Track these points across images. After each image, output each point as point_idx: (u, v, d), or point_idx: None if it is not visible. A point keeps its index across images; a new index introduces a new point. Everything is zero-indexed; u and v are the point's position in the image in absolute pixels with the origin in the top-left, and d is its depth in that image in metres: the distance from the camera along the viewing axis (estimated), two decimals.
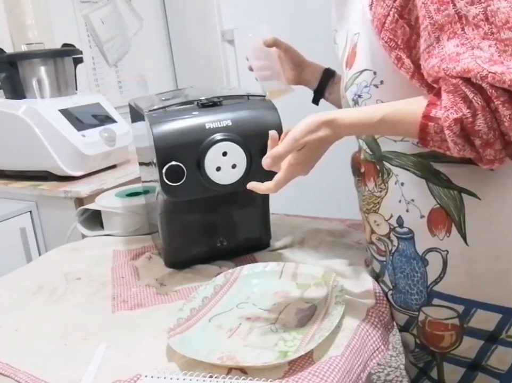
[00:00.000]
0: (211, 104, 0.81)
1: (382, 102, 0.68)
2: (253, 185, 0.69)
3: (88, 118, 1.54)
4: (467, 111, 0.56)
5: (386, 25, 0.63)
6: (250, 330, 0.69)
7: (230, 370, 0.61)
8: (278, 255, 0.93)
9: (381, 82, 0.68)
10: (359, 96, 0.71)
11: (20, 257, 1.42)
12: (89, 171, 1.52)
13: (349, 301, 0.73)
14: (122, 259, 0.98)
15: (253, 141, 0.80)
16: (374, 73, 0.69)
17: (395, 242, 0.74)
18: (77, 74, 1.65)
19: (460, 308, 0.71)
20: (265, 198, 0.93)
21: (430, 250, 0.71)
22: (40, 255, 1.46)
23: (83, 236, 1.13)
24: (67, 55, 1.60)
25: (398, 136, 0.69)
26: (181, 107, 0.82)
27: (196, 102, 0.82)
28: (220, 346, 0.66)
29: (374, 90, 0.69)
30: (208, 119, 0.79)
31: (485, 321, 0.70)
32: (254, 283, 0.81)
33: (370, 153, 0.75)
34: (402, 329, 0.79)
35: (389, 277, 0.77)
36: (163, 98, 0.88)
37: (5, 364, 0.67)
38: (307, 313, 0.72)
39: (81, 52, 1.66)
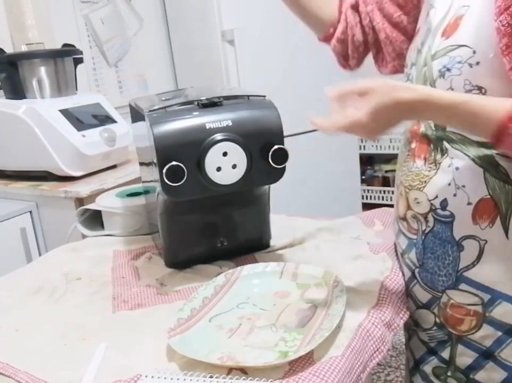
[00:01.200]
0: (211, 104, 0.81)
1: (470, 83, 0.67)
2: (315, 121, 0.67)
3: (88, 118, 1.54)
4: None
5: (511, 9, 0.61)
6: (250, 330, 0.69)
7: (230, 370, 0.61)
8: (278, 255, 0.93)
9: (477, 63, 0.66)
10: (448, 70, 0.69)
11: (20, 257, 1.42)
12: (89, 171, 1.52)
13: (350, 301, 0.73)
14: (122, 259, 0.98)
15: (253, 141, 0.80)
16: (474, 52, 0.67)
17: (431, 223, 0.75)
18: (78, 74, 1.65)
19: (486, 296, 0.73)
20: (265, 198, 0.93)
21: (468, 237, 0.72)
22: (40, 255, 1.46)
23: (84, 236, 1.13)
24: (67, 55, 1.60)
25: (467, 130, 0.68)
26: (182, 107, 0.82)
27: (196, 103, 0.82)
28: (220, 346, 0.66)
29: (467, 69, 0.67)
30: (209, 120, 0.79)
31: (507, 313, 0.72)
32: (255, 283, 0.81)
33: (434, 129, 0.74)
34: (423, 306, 0.80)
35: (417, 256, 0.79)
36: (163, 98, 0.88)
37: (5, 364, 0.67)
38: (308, 313, 0.72)
39: (81, 53, 1.66)
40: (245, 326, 0.70)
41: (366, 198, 3.08)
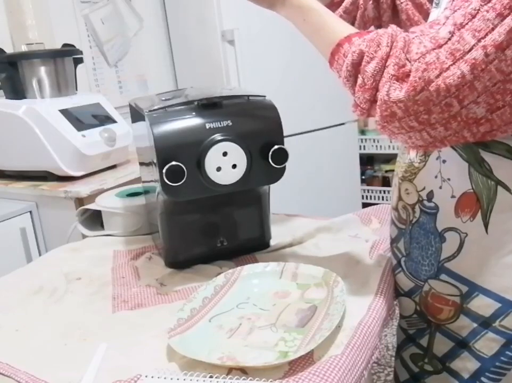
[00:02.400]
0: (211, 104, 0.81)
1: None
2: None
3: (88, 118, 1.54)
4: (372, 50, 0.62)
5: None
6: (250, 330, 0.69)
7: (230, 370, 0.61)
8: (278, 255, 0.93)
9: None
10: None
11: (20, 257, 1.42)
12: (89, 171, 1.52)
13: (350, 300, 0.73)
14: (122, 259, 0.98)
15: (253, 141, 0.80)
16: None
17: (417, 214, 0.78)
18: (78, 74, 1.66)
19: (464, 288, 0.74)
20: (265, 198, 0.93)
21: (450, 229, 0.74)
22: (40, 255, 1.46)
23: (84, 236, 1.13)
24: (67, 55, 1.60)
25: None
26: (182, 107, 0.82)
27: (196, 103, 0.82)
28: (220, 346, 0.66)
29: None
30: (209, 120, 0.79)
31: (483, 306, 0.73)
32: (254, 283, 0.81)
33: None
34: (405, 294, 0.83)
35: (404, 245, 0.82)
36: (163, 98, 0.88)
37: (5, 364, 0.67)
38: (308, 313, 0.72)
39: (81, 53, 1.66)
40: (245, 326, 0.70)
41: (366, 198, 3.09)
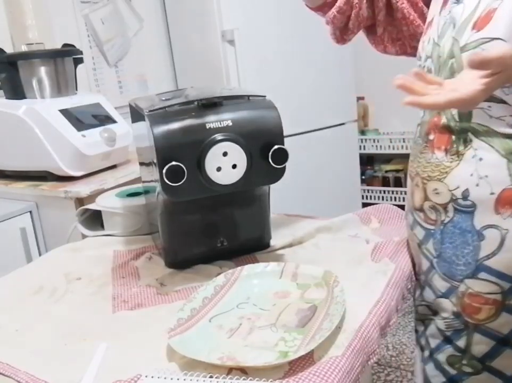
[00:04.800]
0: (211, 104, 0.81)
1: None
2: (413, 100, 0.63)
3: (88, 118, 1.54)
4: None
5: None
6: (250, 330, 0.69)
7: (230, 370, 0.61)
8: (278, 255, 0.93)
9: None
10: None
11: (20, 257, 1.42)
12: (89, 171, 1.52)
13: (351, 302, 0.73)
14: (123, 259, 0.98)
15: (253, 141, 0.80)
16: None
17: (451, 213, 0.77)
18: (78, 74, 1.66)
19: (506, 285, 0.74)
20: (265, 198, 0.93)
21: (489, 226, 0.74)
22: (40, 255, 1.46)
23: (84, 236, 1.13)
24: (67, 55, 1.60)
25: None
26: (182, 107, 0.82)
27: (196, 103, 0.82)
28: (220, 346, 0.66)
29: None
30: (209, 120, 0.79)
31: None
32: (255, 283, 0.81)
33: (457, 120, 0.75)
34: (442, 296, 0.82)
35: (434, 246, 0.81)
36: (163, 98, 0.88)
37: (5, 364, 0.67)
38: (308, 313, 0.72)
39: (81, 53, 1.66)
40: (245, 326, 0.70)
41: (366, 198, 3.08)
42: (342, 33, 0.94)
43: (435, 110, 0.78)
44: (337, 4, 0.90)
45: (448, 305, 0.81)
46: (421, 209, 0.82)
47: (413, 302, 0.91)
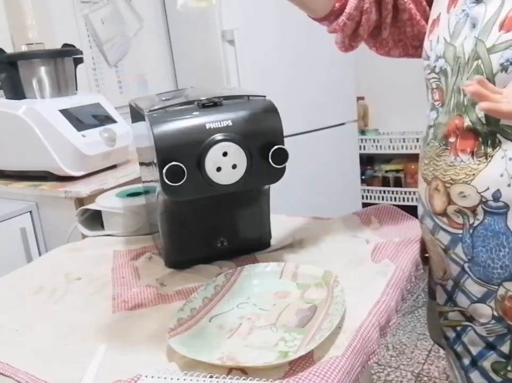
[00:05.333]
0: (211, 104, 0.81)
1: None
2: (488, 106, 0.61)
3: (88, 118, 1.55)
4: None
5: None
6: (250, 330, 0.69)
7: (230, 370, 0.61)
8: (278, 255, 0.93)
9: None
10: (511, 64, 0.70)
11: (20, 257, 1.42)
12: (89, 171, 1.52)
13: (351, 302, 0.73)
14: (123, 259, 0.98)
15: (253, 141, 0.80)
16: None
17: (480, 216, 0.75)
18: (78, 74, 1.66)
19: None
20: (265, 198, 0.93)
21: None
22: (40, 255, 1.46)
23: (84, 236, 1.13)
24: (67, 55, 1.60)
25: None
26: (182, 107, 0.82)
27: (196, 103, 0.82)
28: (220, 346, 0.66)
29: None
30: (209, 120, 0.79)
31: None
32: (255, 283, 0.81)
33: (484, 123, 0.73)
34: (478, 301, 0.79)
35: (464, 250, 0.78)
36: (163, 98, 0.88)
37: (5, 364, 0.67)
38: (308, 313, 0.72)
39: (81, 53, 1.66)
40: (245, 326, 0.70)
41: (366, 198, 3.09)
42: (351, 40, 0.92)
43: (453, 112, 0.77)
44: (347, 11, 0.86)
45: (486, 310, 0.78)
46: (443, 214, 0.79)
47: (437, 307, 0.89)
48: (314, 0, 0.86)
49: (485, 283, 0.77)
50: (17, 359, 0.67)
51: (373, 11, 0.87)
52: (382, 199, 3.05)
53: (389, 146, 2.97)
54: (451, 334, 0.87)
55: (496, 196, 0.73)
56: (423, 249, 0.92)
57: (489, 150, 0.73)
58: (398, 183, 3.01)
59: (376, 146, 3.01)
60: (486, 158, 0.73)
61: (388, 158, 3.11)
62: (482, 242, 0.76)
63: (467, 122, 0.75)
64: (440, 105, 0.80)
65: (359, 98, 2.89)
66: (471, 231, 0.77)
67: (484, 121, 0.73)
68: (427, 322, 1.04)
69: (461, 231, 0.78)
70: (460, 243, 0.79)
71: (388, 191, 3.04)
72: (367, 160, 3.13)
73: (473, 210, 0.75)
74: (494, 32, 0.71)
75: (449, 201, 0.78)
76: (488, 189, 0.73)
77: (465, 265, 0.79)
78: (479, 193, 0.74)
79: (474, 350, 0.83)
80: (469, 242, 0.77)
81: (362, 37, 0.90)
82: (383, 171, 3.08)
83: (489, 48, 0.71)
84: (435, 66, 0.79)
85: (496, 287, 0.76)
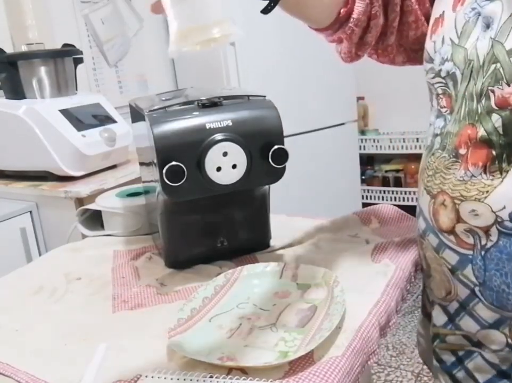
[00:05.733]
0: (211, 104, 0.81)
1: None
2: None
3: (88, 118, 1.55)
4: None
5: None
6: (250, 330, 0.69)
7: (230, 370, 0.61)
8: (278, 255, 0.93)
9: None
10: None
11: (20, 257, 1.43)
12: (89, 171, 1.52)
13: (351, 302, 0.73)
14: (123, 259, 0.98)
15: (253, 141, 0.80)
16: None
17: (494, 237, 0.68)
18: (78, 74, 1.66)
19: None
20: (265, 198, 0.93)
21: None
22: (40, 255, 1.47)
23: (84, 236, 1.13)
24: (67, 55, 1.61)
25: None
26: (182, 107, 0.82)
27: (196, 103, 0.82)
28: (220, 346, 0.66)
29: None
30: (209, 120, 0.79)
31: None
32: (255, 283, 0.81)
33: (501, 133, 0.65)
34: (490, 327, 0.73)
35: (475, 273, 0.71)
36: (163, 98, 0.88)
37: (5, 364, 0.67)
38: (308, 313, 0.72)
39: (81, 53, 1.66)
40: (245, 326, 0.70)
41: (366, 198, 3.09)
42: (357, 49, 0.84)
43: (465, 121, 0.69)
44: (354, 16, 0.79)
45: (499, 337, 0.72)
46: (451, 232, 0.72)
47: (431, 328, 0.82)
48: (316, 9, 0.80)
49: (499, 309, 0.70)
50: (17, 359, 0.67)
51: (381, 15, 0.81)
52: (382, 199, 3.05)
53: (389, 146, 2.97)
54: (449, 358, 0.80)
55: None
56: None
57: (504, 165, 0.66)
58: (398, 183, 3.01)
59: (376, 146, 3.01)
60: (501, 173, 0.66)
61: (388, 158, 3.11)
62: (496, 266, 0.69)
63: (481, 132, 0.67)
64: (448, 112, 0.73)
65: (359, 98, 2.89)
66: (483, 252, 0.69)
67: (501, 131, 0.65)
68: (417, 337, 0.97)
69: (471, 252, 0.71)
70: (470, 265, 0.71)
71: (388, 191, 3.04)
72: (367, 160, 3.13)
73: (487, 230, 0.68)
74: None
75: (459, 219, 0.70)
76: (504, 208, 0.66)
77: (476, 289, 0.72)
78: (494, 212, 0.67)
79: (482, 378, 0.76)
80: (480, 265, 0.70)
81: (370, 44, 0.83)
82: (383, 171, 3.08)
83: (510, 51, 0.64)
84: (440, 70, 0.73)
85: None
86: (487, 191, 0.67)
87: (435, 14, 0.77)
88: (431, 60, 0.75)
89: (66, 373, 0.63)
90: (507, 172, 0.66)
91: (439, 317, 0.80)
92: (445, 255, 0.75)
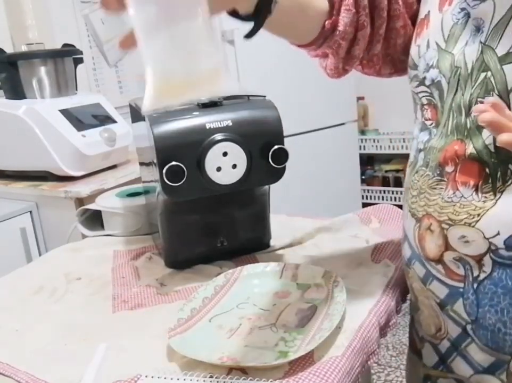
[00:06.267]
0: (211, 104, 0.81)
1: None
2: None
3: (88, 118, 1.55)
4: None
5: None
6: (250, 330, 0.69)
7: (230, 370, 0.61)
8: (278, 255, 0.93)
9: None
10: None
11: (20, 257, 1.43)
12: (89, 171, 1.52)
13: (351, 302, 0.73)
14: (123, 259, 0.98)
15: (253, 141, 0.80)
16: None
17: (488, 268, 0.60)
18: (78, 74, 1.66)
19: None
20: (265, 198, 0.93)
21: None
22: (40, 255, 1.47)
23: (84, 236, 1.13)
24: (67, 55, 1.61)
25: None
26: (182, 107, 0.82)
27: (196, 103, 0.82)
28: (220, 346, 0.66)
29: None
30: (209, 120, 0.79)
31: None
32: (255, 283, 0.81)
33: (493, 151, 0.58)
34: (484, 371, 0.64)
35: (466, 309, 0.63)
36: None
37: (5, 364, 0.67)
38: (308, 313, 0.72)
39: (81, 53, 1.66)
40: (245, 326, 0.70)
41: (366, 198, 3.09)
42: (345, 64, 0.76)
43: (452, 136, 0.62)
44: (340, 29, 0.70)
45: None
46: (439, 261, 0.64)
47: (421, 367, 0.75)
48: (301, 24, 0.72)
49: (494, 352, 0.62)
50: (17, 359, 0.67)
51: (369, 24, 0.72)
52: (382, 199, 3.05)
53: (389, 146, 2.97)
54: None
55: (510, 244, 0.58)
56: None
57: (499, 184, 0.58)
58: (398, 183, 3.01)
59: (376, 146, 3.01)
60: (495, 195, 0.58)
61: (388, 158, 3.11)
62: (491, 301, 0.60)
63: (470, 149, 0.60)
64: (433, 125, 0.65)
65: (359, 98, 2.89)
66: (475, 285, 0.61)
67: (492, 149, 0.58)
68: (406, 375, 0.88)
69: (462, 285, 0.63)
70: (461, 299, 0.63)
71: (388, 191, 3.04)
72: (367, 160, 3.13)
73: (479, 259, 0.60)
74: (508, 37, 0.56)
75: (447, 247, 0.62)
76: (498, 234, 0.58)
77: (468, 327, 0.64)
78: (487, 239, 0.59)
79: None
80: (472, 299, 0.62)
81: (358, 58, 0.74)
82: (383, 170, 3.08)
83: (502, 57, 0.57)
84: (424, 78, 0.65)
85: (509, 357, 0.61)
86: (478, 215, 0.59)
87: (420, 14, 0.69)
88: (415, 66, 0.67)
89: (66, 373, 0.63)
90: (502, 192, 0.58)
91: (430, 357, 0.72)
92: (432, 287, 0.67)
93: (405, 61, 0.72)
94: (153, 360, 0.65)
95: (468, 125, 0.60)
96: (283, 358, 0.62)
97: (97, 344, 0.68)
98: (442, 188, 0.63)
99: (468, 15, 0.60)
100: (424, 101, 0.66)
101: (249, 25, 0.66)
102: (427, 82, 0.65)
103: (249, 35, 0.68)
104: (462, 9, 0.61)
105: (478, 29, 0.59)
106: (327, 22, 0.70)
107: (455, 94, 0.61)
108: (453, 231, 0.61)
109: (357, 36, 0.71)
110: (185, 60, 0.45)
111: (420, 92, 0.67)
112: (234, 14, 0.66)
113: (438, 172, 0.64)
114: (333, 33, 0.71)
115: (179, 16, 0.44)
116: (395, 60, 0.77)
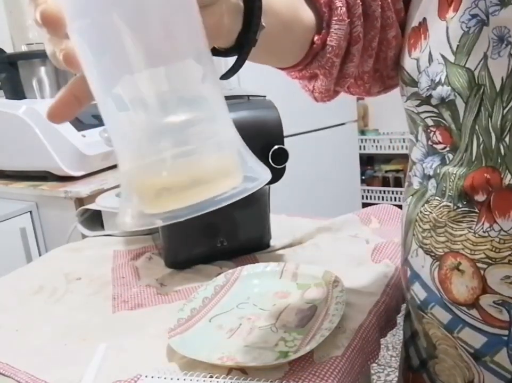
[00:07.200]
0: None
1: None
2: None
3: (88, 118, 1.55)
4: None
5: None
6: (250, 330, 0.69)
7: (230, 370, 0.61)
8: (278, 255, 0.93)
9: None
10: None
11: (20, 257, 1.43)
12: (89, 171, 1.52)
13: (351, 302, 0.73)
14: (123, 259, 0.98)
15: (253, 141, 0.79)
16: None
17: None
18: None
19: None
20: (265, 198, 0.93)
21: None
22: (40, 255, 1.47)
23: (84, 236, 1.13)
24: None
25: None
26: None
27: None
28: (220, 346, 0.66)
29: None
30: None
31: None
32: (255, 283, 0.81)
33: None
34: None
35: (511, 359, 0.55)
36: None
37: (5, 364, 0.67)
38: (308, 313, 0.72)
39: None
40: (245, 326, 0.70)
41: (366, 198, 3.09)
42: (336, 85, 0.66)
43: (479, 162, 0.53)
44: (333, 44, 0.58)
45: None
46: (472, 305, 0.56)
47: None
48: (285, 44, 0.61)
49: None
50: (17, 359, 0.67)
51: (363, 36, 0.61)
52: (382, 199, 3.05)
53: (389, 146, 2.97)
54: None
55: None
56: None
57: None
58: (398, 183, 3.02)
59: (376, 146, 3.01)
60: None
61: (388, 158, 3.11)
62: None
63: (507, 180, 0.52)
64: (447, 149, 0.57)
65: (359, 98, 2.89)
66: None
67: None
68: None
69: (506, 332, 0.55)
70: (505, 349, 0.55)
71: (388, 191, 3.04)
72: (367, 160, 3.14)
73: None
74: None
75: (485, 289, 0.54)
76: None
77: None
78: None
79: None
80: None
81: (351, 76, 0.64)
82: (383, 171, 3.09)
83: None
84: (429, 96, 0.56)
85: None
86: None
87: (410, 22, 0.60)
88: (414, 83, 0.59)
89: (66, 373, 0.63)
90: None
91: None
92: (463, 335, 0.58)
93: (395, 78, 0.66)
94: (153, 360, 0.65)
95: (502, 151, 0.52)
96: (283, 358, 0.62)
97: (97, 345, 0.68)
98: (472, 221, 0.55)
99: (482, 23, 0.52)
100: (430, 122, 0.58)
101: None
102: (434, 101, 0.56)
103: (231, 72, 0.58)
104: (474, 15, 0.52)
105: (501, 39, 0.51)
106: (316, 38, 0.59)
107: (477, 115, 0.53)
108: (493, 270, 0.54)
109: (351, 51, 0.60)
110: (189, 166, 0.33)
111: (423, 112, 0.59)
112: (213, 50, 0.53)
113: (464, 202, 0.55)
114: (324, 49, 0.59)
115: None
116: (384, 77, 0.68)
